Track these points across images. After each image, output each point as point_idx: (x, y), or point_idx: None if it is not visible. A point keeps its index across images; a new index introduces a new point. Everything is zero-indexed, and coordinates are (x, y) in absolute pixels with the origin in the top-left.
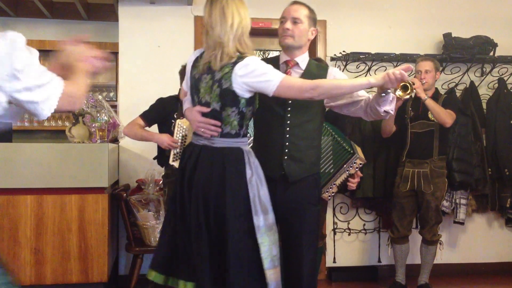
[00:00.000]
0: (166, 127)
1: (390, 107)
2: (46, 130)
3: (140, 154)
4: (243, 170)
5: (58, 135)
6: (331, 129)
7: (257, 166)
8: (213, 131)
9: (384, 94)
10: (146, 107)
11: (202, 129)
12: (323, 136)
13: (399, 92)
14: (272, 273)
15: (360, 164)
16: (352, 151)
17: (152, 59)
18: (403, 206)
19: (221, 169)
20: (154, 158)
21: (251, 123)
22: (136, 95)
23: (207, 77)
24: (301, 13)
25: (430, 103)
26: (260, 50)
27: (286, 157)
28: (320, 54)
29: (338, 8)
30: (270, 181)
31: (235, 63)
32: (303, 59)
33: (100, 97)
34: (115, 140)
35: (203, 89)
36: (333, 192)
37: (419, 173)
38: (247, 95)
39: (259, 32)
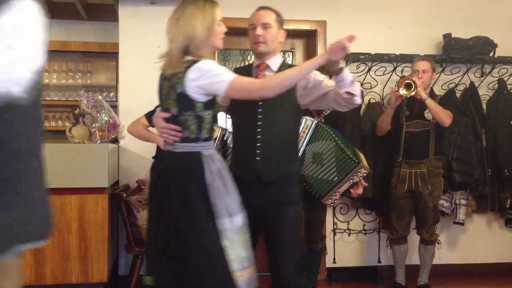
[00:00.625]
0: None
1: (351, 88)
2: (46, 131)
3: (140, 155)
4: (201, 175)
5: (58, 135)
6: (333, 134)
7: (221, 169)
8: (174, 136)
9: (338, 74)
10: (146, 108)
11: (165, 135)
12: (326, 141)
13: (403, 91)
14: (241, 275)
15: (365, 173)
16: (357, 160)
17: (152, 59)
18: (401, 207)
19: (180, 174)
20: (153, 158)
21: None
22: (136, 95)
23: (166, 83)
24: (270, 18)
25: (430, 102)
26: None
27: (258, 158)
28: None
29: (338, 9)
30: (246, 182)
31: (188, 67)
32: (274, 62)
33: (100, 97)
34: (115, 141)
35: (164, 95)
36: (336, 199)
37: (416, 173)
38: (202, 98)
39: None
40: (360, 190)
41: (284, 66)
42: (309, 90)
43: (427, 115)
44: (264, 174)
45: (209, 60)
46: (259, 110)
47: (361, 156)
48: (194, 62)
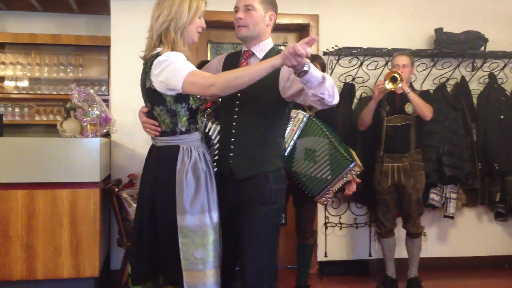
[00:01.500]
0: None
1: (318, 90)
2: (37, 125)
3: (132, 149)
4: (173, 168)
5: (49, 129)
6: (326, 130)
7: (197, 164)
8: (155, 130)
9: (300, 77)
10: (138, 102)
11: (147, 129)
12: (318, 137)
13: (389, 85)
14: (190, 276)
15: (358, 171)
16: (351, 159)
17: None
18: (386, 202)
19: (156, 168)
20: None
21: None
22: (128, 89)
23: (142, 77)
24: None
25: (413, 96)
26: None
27: (232, 154)
28: (312, 48)
29: (331, 3)
30: (224, 178)
31: (152, 61)
32: (261, 48)
33: (91, 91)
34: (107, 135)
35: (141, 90)
36: (328, 198)
37: (398, 167)
38: (170, 92)
39: None
40: (354, 187)
41: (272, 53)
42: (291, 82)
43: (407, 109)
44: (236, 171)
45: (171, 53)
46: (237, 102)
47: (353, 153)
48: (158, 55)
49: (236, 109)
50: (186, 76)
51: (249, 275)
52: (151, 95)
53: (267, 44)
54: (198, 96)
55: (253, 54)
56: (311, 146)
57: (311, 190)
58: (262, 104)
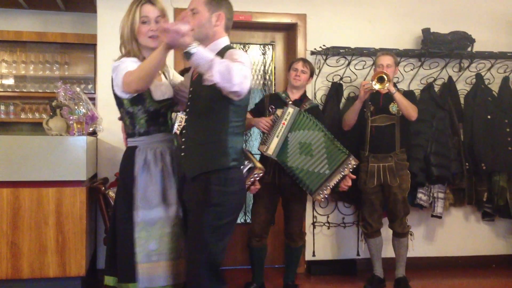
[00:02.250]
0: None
1: (208, 74)
2: (23, 123)
3: (118, 147)
4: (132, 168)
5: (35, 127)
6: (319, 123)
7: (150, 162)
8: (125, 131)
9: (188, 59)
10: None
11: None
12: (313, 131)
13: (376, 85)
14: (145, 268)
15: (354, 165)
16: (347, 152)
17: None
18: (372, 202)
19: (120, 169)
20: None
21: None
22: None
23: None
24: (197, 1)
25: (398, 96)
26: (241, 44)
27: (183, 154)
28: (300, 48)
29: (318, 3)
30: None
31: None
32: (212, 49)
33: (78, 89)
34: (93, 133)
35: None
36: (326, 194)
37: (384, 167)
38: (125, 95)
39: (239, 25)
40: (349, 182)
41: (221, 52)
42: None
43: (392, 109)
44: (186, 171)
45: (123, 59)
46: (188, 103)
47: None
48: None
49: (187, 109)
50: (123, 77)
51: (188, 279)
52: (115, 98)
53: (219, 43)
54: (158, 99)
55: None
56: (306, 140)
57: (309, 186)
58: (205, 102)
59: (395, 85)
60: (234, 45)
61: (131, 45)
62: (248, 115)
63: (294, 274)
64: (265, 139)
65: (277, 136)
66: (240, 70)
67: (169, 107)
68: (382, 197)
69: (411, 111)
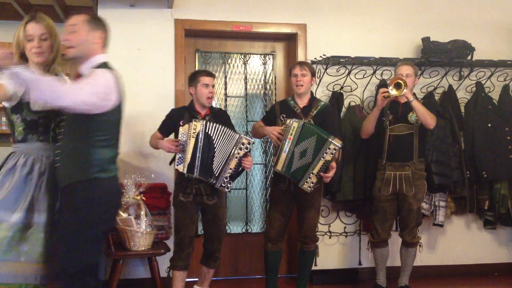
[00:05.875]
0: (176, 135)
1: (32, 94)
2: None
3: (120, 158)
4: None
5: None
6: (317, 129)
7: (18, 168)
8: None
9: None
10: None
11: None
12: (312, 137)
13: (393, 91)
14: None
15: (335, 149)
16: (325, 136)
17: (131, 62)
18: (385, 210)
19: None
20: (170, 163)
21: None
22: None
23: None
24: (77, 19)
25: (417, 104)
26: (241, 54)
27: (57, 164)
28: (300, 57)
29: (318, 12)
30: None
31: None
32: (87, 66)
33: None
34: None
35: None
36: (312, 183)
37: (400, 175)
38: (7, 104)
39: (240, 35)
40: (331, 173)
41: (100, 67)
42: None
43: (411, 118)
44: (58, 179)
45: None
46: (64, 117)
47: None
48: None
49: (63, 123)
50: None
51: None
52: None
53: (96, 60)
54: (34, 109)
55: (80, 75)
56: (305, 148)
57: (296, 177)
58: (69, 115)
59: (414, 94)
60: (235, 55)
61: (30, 60)
62: (261, 123)
63: (305, 282)
64: (275, 153)
65: (285, 152)
66: (80, 87)
67: (51, 118)
68: (395, 207)
69: (429, 119)
